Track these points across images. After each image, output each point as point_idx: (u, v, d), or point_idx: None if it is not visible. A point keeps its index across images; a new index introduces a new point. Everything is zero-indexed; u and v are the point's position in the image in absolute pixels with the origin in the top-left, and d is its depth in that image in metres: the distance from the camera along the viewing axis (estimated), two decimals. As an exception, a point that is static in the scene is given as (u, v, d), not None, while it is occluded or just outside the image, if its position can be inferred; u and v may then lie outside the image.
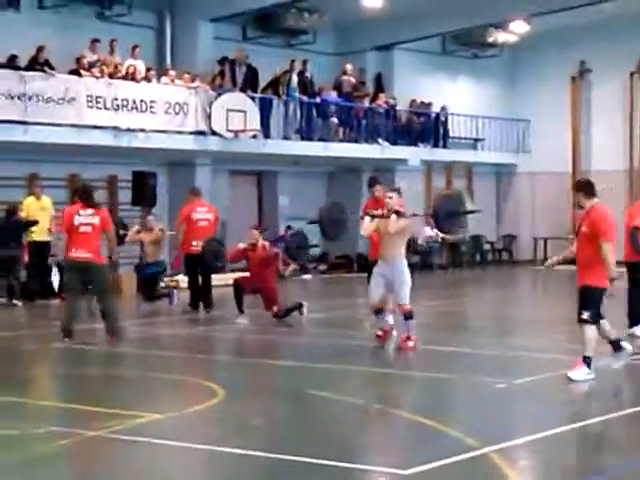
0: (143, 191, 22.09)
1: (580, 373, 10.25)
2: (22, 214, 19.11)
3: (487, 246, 30.97)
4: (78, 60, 21.29)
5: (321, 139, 25.59)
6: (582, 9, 25.86)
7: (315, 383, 10.75)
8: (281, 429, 8.71)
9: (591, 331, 10.24)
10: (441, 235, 28.64)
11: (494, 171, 31.71)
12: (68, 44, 21.59)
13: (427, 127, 28.82)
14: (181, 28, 24.83)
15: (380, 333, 13.25)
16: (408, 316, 12.68)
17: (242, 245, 16.26)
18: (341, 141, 26.18)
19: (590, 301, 10.26)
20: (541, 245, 31.24)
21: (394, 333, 13.44)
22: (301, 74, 25.70)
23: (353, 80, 27.32)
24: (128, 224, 19.72)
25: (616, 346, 10.68)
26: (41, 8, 22.53)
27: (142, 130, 21.68)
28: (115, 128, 21.15)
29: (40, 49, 20.55)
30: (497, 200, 31.95)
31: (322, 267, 26.73)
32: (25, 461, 7.56)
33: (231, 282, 16.37)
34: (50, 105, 20.15)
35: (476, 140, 30.69)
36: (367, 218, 12.88)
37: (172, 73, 23.16)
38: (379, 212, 12.94)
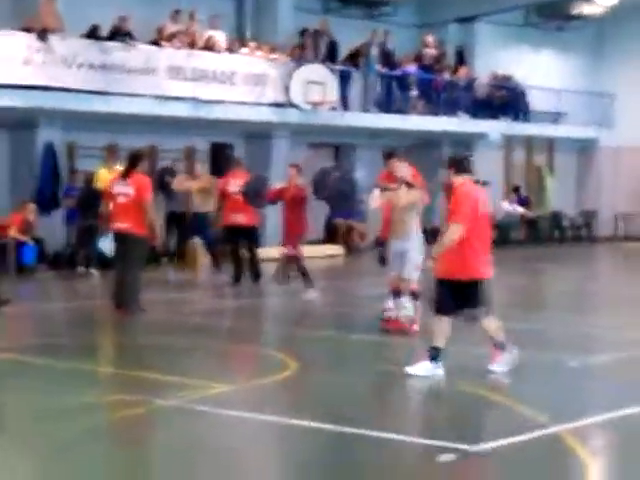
0: (220, 162, 22.28)
1: (421, 368, 9.35)
2: (99, 184, 19.32)
3: (566, 222, 30.61)
4: (159, 31, 21.48)
5: (400, 111, 25.48)
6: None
7: (386, 357, 10.77)
8: (351, 402, 8.74)
9: (442, 323, 9.39)
10: (520, 210, 28.48)
11: (576, 146, 31.27)
12: (150, 15, 21.75)
13: (508, 101, 28.51)
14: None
15: (391, 322, 12.01)
16: (414, 296, 11.96)
17: (279, 185, 16.00)
18: (420, 114, 26.04)
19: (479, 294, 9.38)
20: (622, 222, 30.88)
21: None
22: (382, 46, 25.62)
23: (434, 52, 27.14)
24: (177, 172, 19.66)
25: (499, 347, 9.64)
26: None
27: (221, 101, 21.78)
28: (194, 99, 21.29)
29: (122, 19, 20.77)
30: (578, 175, 31.53)
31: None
32: (96, 428, 7.74)
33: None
34: (131, 75, 20.36)
35: (558, 114, 30.29)
36: (376, 190, 12.22)
37: (252, 44, 23.23)
38: (391, 186, 12.17)
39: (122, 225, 13.07)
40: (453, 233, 9.17)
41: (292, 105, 22.96)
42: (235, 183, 17.09)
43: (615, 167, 30.87)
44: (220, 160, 22.32)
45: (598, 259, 27.26)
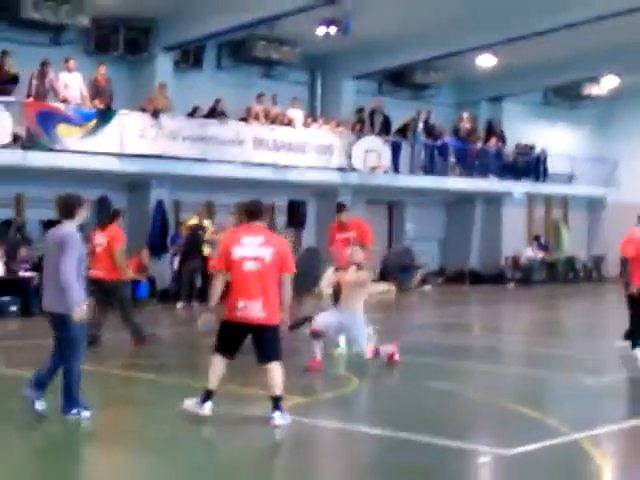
0: (296, 216, 22.48)
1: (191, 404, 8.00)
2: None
3: (579, 265, 30.21)
4: (247, 110, 21.78)
5: (441, 174, 25.49)
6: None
7: (433, 376, 10.64)
8: (403, 412, 8.70)
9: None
10: (540, 255, 28.20)
11: (586, 202, 30.92)
12: (240, 97, 22.01)
13: (530, 165, 28.37)
14: (329, 83, 25.10)
15: (311, 362, 10.59)
16: (378, 354, 10.77)
17: None
18: (457, 176, 26.00)
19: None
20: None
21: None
22: (426, 121, 25.69)
23: (468, 126, 27.13)
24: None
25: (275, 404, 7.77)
26: (219, 68, 23.11)
27: (296, 167, 21.97)
28: (274, 165, 21.50)
29: (217, 101, 21.07)
30: (589, 226, 31.13)
31: (439, 280, 26.61)
32: (191, 433, 7.72)
33: None
34: (224, 146, 20.61)
35: (571, 176, 30.05)
36: (330, 270, 11.28)
37: (320, 120, 23.46)
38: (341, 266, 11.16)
39: (98, 272, 12.33)
40: (213, 281, 8.04)
41: (353, 169, 23.09)
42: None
43: (620, 219, 30.28)
44: (295, 214, 22.54)
45: (606, 295, 26.78)
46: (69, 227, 7.81)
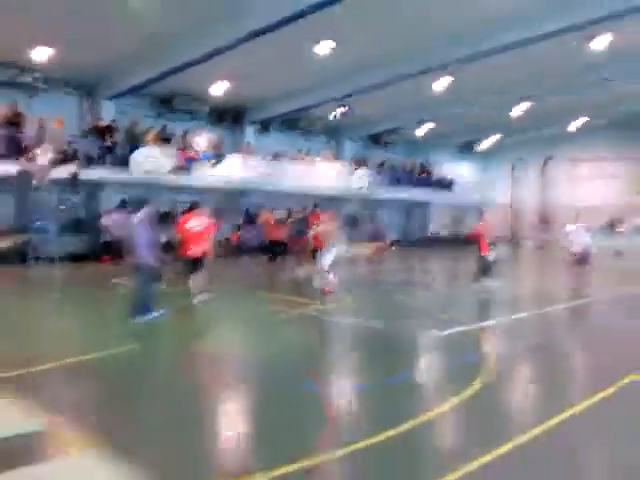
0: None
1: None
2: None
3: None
4: (292, 157, 21.42)
5: (398, 191, 25.11)
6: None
7: (395, 293, 9.86)
8: (375, 311, 8.27)
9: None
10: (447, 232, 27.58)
11: (478, 205, 30.29)
12: (289, 149, 21.74)
13: (443, 185, 27.99)
14: (338, 143, 24.82)
15: (327, 289, 9.97)
16: (325, 275, 10.09)
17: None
18: (406, 191, 25.59)
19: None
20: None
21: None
22: (390, 162, 25.34)
23: (409, 166, 26.78)
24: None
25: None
26: (280, 132, 22.68)
27: (318, 186, 21.20)
28: (308, 186, 20.64)
29: (276, 153, 20.77)
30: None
31: (402, 244, 25.98)
32: (263, 327, 7.53)
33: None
34: (281, 175, 20.04)
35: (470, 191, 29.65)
36: (314, 227, 10.73)
37: (334, 160, 23.09)
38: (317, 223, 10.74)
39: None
40: (176, 237, 8.71)
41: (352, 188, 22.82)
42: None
43: (495, 212, 29.54)
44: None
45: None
46: (140, 214, 7.33)
